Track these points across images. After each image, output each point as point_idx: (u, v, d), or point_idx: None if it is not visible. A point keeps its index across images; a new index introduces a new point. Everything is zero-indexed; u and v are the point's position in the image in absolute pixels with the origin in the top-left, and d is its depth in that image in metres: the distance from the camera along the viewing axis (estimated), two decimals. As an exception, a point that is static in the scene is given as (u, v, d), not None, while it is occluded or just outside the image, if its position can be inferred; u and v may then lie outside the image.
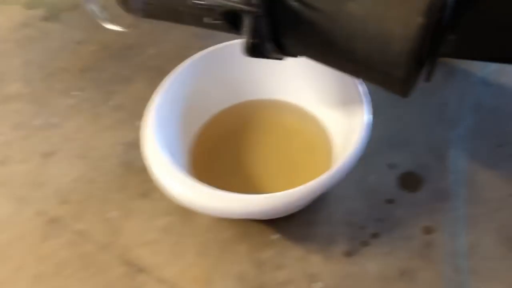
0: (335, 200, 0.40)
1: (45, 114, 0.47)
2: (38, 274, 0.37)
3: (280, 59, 0.32)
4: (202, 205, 0.32)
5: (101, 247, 0.38)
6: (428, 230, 0.37)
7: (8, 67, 0.52)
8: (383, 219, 0.38)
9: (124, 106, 0.47)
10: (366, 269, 0.36)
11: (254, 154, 0.41)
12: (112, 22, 0.27)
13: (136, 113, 0.46)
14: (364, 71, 0.29)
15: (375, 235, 0.37)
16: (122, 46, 0.53)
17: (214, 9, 0.27)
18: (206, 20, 0.29)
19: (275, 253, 0.37)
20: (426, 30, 0.26)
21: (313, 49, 0.30)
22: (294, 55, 0.32)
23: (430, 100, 0.46)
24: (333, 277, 0.35)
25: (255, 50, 0.29)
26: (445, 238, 0.37)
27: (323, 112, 0.42)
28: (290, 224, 0.38)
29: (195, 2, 0.27)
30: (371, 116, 0.36)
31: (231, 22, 0.28)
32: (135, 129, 0.45)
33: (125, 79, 0.50)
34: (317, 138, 0.41)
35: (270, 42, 0.29)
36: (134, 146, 0.44)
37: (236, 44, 0.42)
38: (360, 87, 0.37)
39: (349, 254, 0.37)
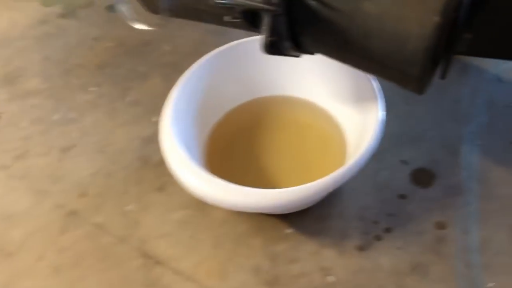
0: (348, 195, 0.40)
1: (63, 109, 0.48)
2: (57, 265, 0.38)
3: (297, 56, 0.32)
4: (218, 198, 0.33)
5: (119, 239, 0.38)
6: (440, 225, 0.38)
7: (27, 63, 0.53)
8: (396, 214, 0.39)
9: (140, 101, 0.48)
10: (378, 263, 0.36)
11: (268, 149, 0.41)
12: (141, 22, 0.27)
13: (152, 109, 0.47)
14: (380, 69, 0.30)
15: (387, 230, 0.38)
16: (138, 42, 0.54)
17: (234, 8, 0.28)
18: (226, 18, 0.29)
19: (289, 247, 0.38)
20: (442, 29, 0.26)
21: (330, 46, 0.30)
22: (311, 52, 0.32)
23: (443, 97, 0.46)
24: (346, 271, 0.36)
25: (273, 48, 0.30)
26: (457, 233, 0.37)
27: (337, 108, 0.42)
28: (304, 219, 0.39)
29: (217, 2, 0.27)
30: (384, 113, 0.36)
31: (250, 20, 0.29)
32: (152, 124, 0.46)
33: (141, 75, 0.51)
34: (330, 134, 0.42)
35: (288, 40, 0.29)
36: (150, 141, 0.45)
37: (250, 41, 0.42)
38: (374, 83, 0.38)
39: (361, 248, 0.37)
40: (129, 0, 0.28)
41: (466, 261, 0.36)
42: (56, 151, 0.45)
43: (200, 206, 0.40)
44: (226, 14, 0.29)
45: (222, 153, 0.41)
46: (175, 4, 0.27)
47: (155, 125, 0.45)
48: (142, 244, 0.38)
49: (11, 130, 0.47)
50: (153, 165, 0.43)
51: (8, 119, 0.48)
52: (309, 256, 0.37)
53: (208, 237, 0.38)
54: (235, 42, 0.42)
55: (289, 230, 0.38)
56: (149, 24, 0.28)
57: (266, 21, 0.28)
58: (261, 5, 0.27)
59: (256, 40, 0.42)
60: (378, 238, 0.38)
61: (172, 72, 0.50)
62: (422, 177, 0.41)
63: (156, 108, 0.47)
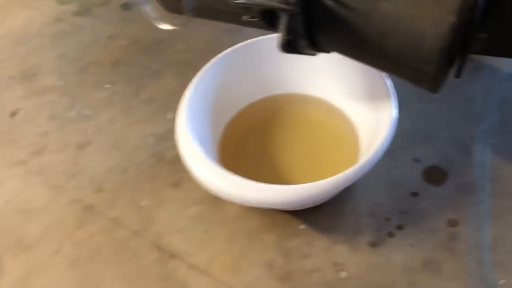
0: (360, 192, 0.40)
1: (78, 106, 0.49)
2: (74, 259, 0.38)
3: (313, 55, 0.33)
4: (232, 194, 0.34)
5: (134, 234, 0.39)
6: (452, 223, 0.38)
7: (43, 60, 0.54)
8: (408, 212, 0.39)
9: (155, 99, 0.49)
10: (391, 260, 0.37)
11: (280, 147, 0.42)
12: (165, 21, 0.28)
13: (166, 106, 0.48)
14: (395, 67, 0.30)
15: (400, 227, 0.38)
16: (152, 40, 0.55)
17: (252, 7, 0.28)
18: (244, 18, 0.30)
19: (302, 243, 0.38)
20: (457, 29, 0.27)
21: (346, 45, 0.31)
22: (326, 51, 0.33)
23: (455, 95, 0.46)
24: (358, 267, 0.36)
25: (289, 46, 0.30)
26: (470, 231, 0.38)
27: (350, 106, 0.43)
28: (317, 215, 0.39)
29: (236, 2, 0.28)
30: (397, 111, 0.36)
31: (268, 19, 0.29)
32: (166, 122, 0.46)
33: (155, 73, 0.52)
34: (343, 132, 0.42)
35: (304, 38, 0.30)
36: (165, 138, 0.45)
37: (264, 40, 0.43)
38: (387, 81, 0.38)
39: (374, 244, 0.37)
40: (151, 0, 0.29)
41: (478, 258, 0.36)
42: (72, 147, 0.46)
43: (214, 202, 0.40)
44: (245, 13, 0.30)
45: (236, 150, 0.42)
46: (197, 5, 0.28)
47: (169, 122, 0.46)
48: (157, 239, 0.39)
49: (27, 126, 0.48)
50: (167, 161, 0.43)
51: (25, 115, 0.49)
52: (322, 252, 0.37)
53: (221, 232, 0.39)
54: (249, 40, 0.43)
55: (302, 226, 0.39)
56: (172, 24, 0.28)
57: (283, 20, 0.29)
58: (279, 4, 0.27)
59: (269, 39, 0.43)
60: (390, 235, 0.38)
61: (186, 70, 0.51)
62: (435, 175, 0.41)
63: (170, 106, 0.48)
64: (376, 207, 0.39)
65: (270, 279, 0.36)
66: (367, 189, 0.40)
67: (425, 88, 0.30)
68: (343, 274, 0.36)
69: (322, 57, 0.35)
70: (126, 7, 0.60)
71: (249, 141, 0.43)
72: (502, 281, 0.35)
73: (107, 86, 0.51)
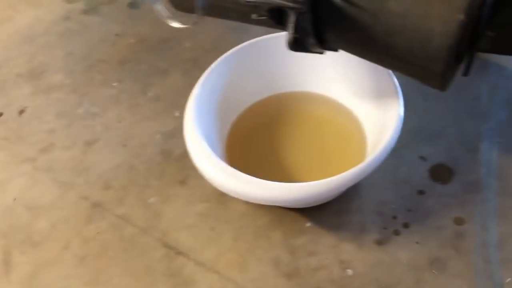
0: (366, 190, 0.41)
1: (86, 104, 0.49)
2: (82, 255, 0.39)
3: (321, 53, 0.33)
4: (239, 191, 0.34)
5: (142, 230, 0.39)
6: (459, 221, 0.38)
7: (51, 58, 0.55)
8: (414, 210, 0.39)
9: (162, 97, 0.49)
10: (397, 258, 0.37)
11: (287, 145, 0.42)
12: (177, 20, 0.28)
13: (174, 104, 0.48)
14: (403, 66, 0.30)
15: (406, 225, 0.38)
16: (159, 39, 0.55)
17: (261, 6, 0.29)
18: (253, 16, 0.30)
19: (308, 240, 0.38)
20: (466, 27, 0.27)
21: (354, 43, 0.31)
22: (334, 49, 0.33)
23: (462, 93, 0.46)
24: (365, 265, 0.37)
25: (298, 44, 0.30)
26: (476, 229, 0.38)
27: (356, 104, 0.43)
28: (323, 213, 0.39)
29: (247, 0, 0.28)
30: (403, 109, 0.36)
31: (276, 18, 0.30)
32: (173, 119, 0.47)
33: (162, 71, 0.52)
34: (350, 130, 0.42)
35: (312, 37, 0.30)
36: (172, 135, 0.45)
37: (271, 38, 0.43)
38: (393, 79, 0.38)
39: (380, 242, 0.38)
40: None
41: (484, 256, 0.36)
42: (80, 144, 0.46)
43: (220, 199, 0.40)
44: (253, 12, 0.30)
45: (242, 148, 0.42)
46: (207, 3, 0.28)
47: (176, 120, 0.46)
48: (164, 236, 0.39)
49: (36, 123, 0.48)
50: (174, 159, 0.44)
51: (33, 113, 0.49)
52: (328, 250, 0.38)
53: (228, 230, 0.39)
54: (256, 39, 0.43)
55: (308, 224, 0.39)
56: (183, 22, 0.28)
57: (291, 18, 0.29)
58: (288, 3, 0.28)
59: (276, 37, 0.43)
60: (396, 232, 0.38)
61: (193, 68, 0.52)
62: (441, 173, 0.41)
63: (177, 104, 0.48)
64: (382, 205, 0.40)
65: (276, 276, 0.36)
66: (373, 187, 0.41)
67: (433, 86, 0.30)
68: (349, 271, 0.36)
69: (328, 55, 0.35)
70: (133, 5, 0.60)
71: (256, 139, 0.43)
72: (508, 279, 0.35)
73: (115, 84, 0.51)
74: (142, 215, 0.40)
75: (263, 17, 0.30)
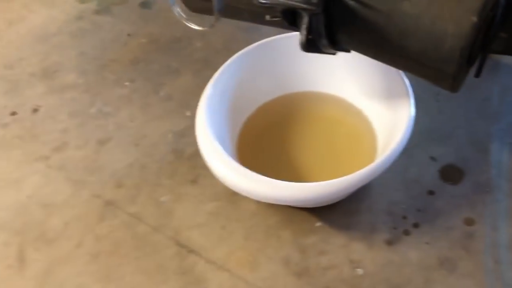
0: (377, 190, 0.41)
1: (99, 103, 0.50)
2: (95, 253, 0.39)
3: (334, 53, 0.33)
4: (251, 190, 0.34)
5: (153, 229, 0.40)
6: (469, 222, 0.38)
7: (64, 58, 0.55)
8: (424, 210, 0.39)
9: (173, 96, 0.50)
10: (407, 257, 0.37)
11: (298, 144, 0.42)
12: (195, 22, 0.29)
13: (185, 104, 0.49)
14: (415, 67, 0.30)
15: (416, 225, 0.38)
16: (170, 39, 0.56)
17: (274, 7, 0.29)
18: (267, 17, 0.30)
19: (319, 240, 0.38)
20: (479, 29, 0.27)
21: (367, 45, 0.31)
22: (347, 50, 0.33)
23: (473, 94, 0.46)
24: (375, 264, 0.37)
25: (310, 45, 0.31)
26: (486, 229, 0.38)
27: (367, 104, 0.43)
28: (333, 212, 0.40)
29: (261, 2, 0.28)
30: (414, 110, 0.37)
31: (290, 19, 0.30)
32: (185, 119, 0.47)
33: (173, 70, 0.52)
34: (360, 130, 0.42)
35: (325, 38, 0.30)
36: (183, 134, 0.46)
37: (281, 38, 0.43)
38: (404, 79, 0.38)
39: (390, 242, 0.38)
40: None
41: (494, 257, 0.36)
42: (92, 143, 0.47)
43: (231, 198, 0.41)
44: (267, 13, 0.30)
45: (253, 147, 0.42)
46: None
47: (188, 120, 0.47)
48: (176, 234, 0.39)
49: (49, 122, 0.49)
50: (186, 158, 0.44)
51: (46, 112, 0.50)
52: (338, 249, 0.38)
53: (239, 229, 0.39)
54: (267, 39, 0.43)
55: (318, 223, 0.39)
56: (201, 25, 0.29)
57: (305, 20, 0.29)
58: (301, 4, 0.28)
59: (287, 37, 0.43)
60: (406, 232, 0.38)
61: (204, 68, 0.52)
62: (451, 174, 0.41)
63: (188, 103, 0.48)
64: (393, 205, 0.40)
65: (286, 275, 0.37)
66: (384, 187, 0.41)
67: (444, 88, 0.31)
68: (360, 271, 0.37)
69: (340, 55, 0.36)
70: (144, 5, 0.60)
71: (267, 139, 0.43)
72: (518, 280, 0.35)
73: (127, 83, 0.52)
74: (154, 213, 0.41)
75: (276, 18, 0.30)
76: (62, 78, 0.53)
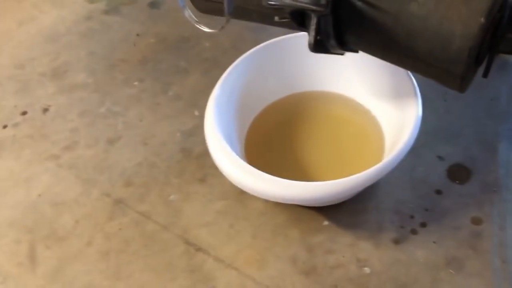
0: (384, 189, 0.41)
1: (108, 103, 0.50)
2: (105, 251, 0.40)
3: (342, 54, 0.34)
4: (258, 189, 0.35)
5: (162, 227, 0.40)
6: (476, 221, 0.38)
7: (73, 58, 0.56)
8: (432, 209, 0.39)
9: (182, 96, 0.50)
10: (414, 257, 0.37)
11: (305, 143, 0.43)
12: (206, 24, 0.29)
13: (193, 103, 0.49)
14: (423, 67, 0.31)
15: (423, 224, 0.39)
16: (179, 38, 0.56)
17: (283, 8, 0.29)
18: (276, 19, 0.31)
19: (326, 239, 0.39)
20: (486, 30, 0.27)
21: (375, 45, 0.31)
22: (355, 50, 0.33)
23: (481, 93, 0.46)
24: (382, 263, 0.37)
25: (319, 46, 0.31)
26: (494, 229, 0.38)
27: (375, 103, 0.43)
28: (340, 211, 0.40)
29: (270, 3, 0.29)
30: (422, 109, 0.37)
31: (298, 20, 0.30)
32: (193, 118, 0.48)
33: (182, 70, 0.53)
34: (368, 129, 0.42)
35: (333, 38, 0.31)
36: (192, 134, 0.46)
37: (289, 38, 0.44)
38: (412, 79, 0.38)
39: (397, 241, 0.38)
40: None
41: (502, 256, 0.36)
42: (102, 142, 0.47)
43: (239, 197, 0.41)
44: (275, 14, 0.31)
45: (261, 146, 0.43)
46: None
47: (196, 119, 0.47)
48: (184, 232, 0.40)
49: (59, 122, 0.49)
50: (194, 157, 0.45)
51: (56, 111, 0.51)
52: (345, 248, 0.38)
53: (247, 227, 0.40)
54: (274, 39, 0.44)
55: (325, 223, 0.40)
56: (211, 27, 0.29)
57: (313, 21, 0.29)
58: (310, 6, 0.28)
59: (294, 37, 0.43)
60: (414, 232, 0.38)
61: (212, 67, 0.52)
62: (459, 173, 0.41)
63: (196, 103, 0.49)
64: (400, 205, 0.40)
65: (294, 273, 0.37)
66: (391, 186, 0.41)
67: (452, 88, 0.31)
68: (367, 270, 0.37)
69: (347, 55, 0.36)
70: (153, 5, 0.61)
71: (275, 138, 0.43)
72: (526, 280, 0.35)
73: (136, 83, 0.52)
74: (163, 212, 0.41)
75: (285, 20, 0.30)
76: (72, 78, 0.54)
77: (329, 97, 0.45)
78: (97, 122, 0.49)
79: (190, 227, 0.40)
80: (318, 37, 0.30)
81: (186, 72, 0.52)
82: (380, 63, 0.35)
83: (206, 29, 0.29)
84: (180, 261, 0.38)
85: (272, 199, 0.36)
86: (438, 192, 0.40)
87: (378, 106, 0.43)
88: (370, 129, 0.42)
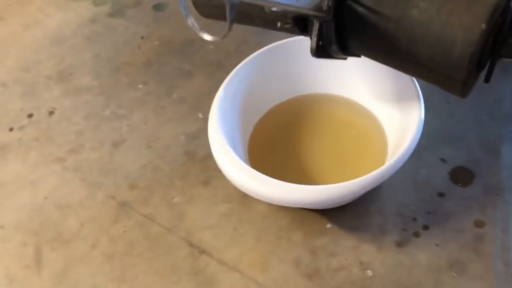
0: (387, 192, 0.41)
1: (113, 106, 0.51)
2: (110, 253, 0.40)
3: (344, 59, 0.34)
4: (262, 192, 0.35)
5: (166, 230, 0.41)
6: (479, 224, 0.38)
7: (78, 61, 0.56)
8: (434, 212, 0.39)
9: (186, 99, 0.50)
10: (416, 259, 0.37)
11: (309, 146, 0.43)
12: (209, 32, 0.29)
13: (198, 106, 0.49)
14: (425, 73, 0.31)
15: (426, 227, 0.39)
16: (183, 41, 0.56)
17: (286, 14, 0.30)
18: (279, 24, 0.31)
19: (329, 241, 0.39)
20: (488, 36, 0.27)
21: (377, 51, 0.32)
22: (357, 55, 0.34)
23: (484, 96, 0.46)
24: (384, 266, 0.37)
25: (321, 51, 0.31)
26: (497, 232, 0.38)
27: (378, 106, 0.43)
28: (343, 214, 0.40)
29: (272, 10, 0.29)
30: (424, 112, 0.37)
31: (301, 25, 0.31)
32: (197, 121, 0.48)
33: (186, 73, 0.53)
34: (371, 132, 0.43)
35: (336, 44, 0.31)
36: (196, 136, 0.47)
37: (292, 41, 0.44)
38: (415, 82, 0.39)
39: (400, 244, 0.38)
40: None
41: (505, 260, 0.36)
42: (107, 145, 0.47)
43: (243, 200, 0.41)
44: (278, 20, 0.31)
45: (264, 149, 0.43)
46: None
47: (200, 122, 0.48)
48: (188, 235, 0.40)
49: (65, 124, 0.50)
50: (198, 160, 0.45)
51: (62, 114, 0.51)
52: (348, 251, 0.38)
53: (250, 230, 0.40)
54: (279, 42, 0.44)
55: (328, 225, 0.40)
56: (214, 35, 0.29)
57: (316, 26, 0.30)
58: (312, 12, 0.28)
59: (298, 40, 0.43)
60: (416, 234, 0.38)
61: (216, 70, 0.53)
62: (462, 176, 0.41)
63: (201, 106, 0.49)
64: (402, 207, 0.40)
65: (297, 276, 0.37)
66: (394, 189, 0.41)
67: (454, 93, 0.31)
68: (369, 272, 0.37)
69: (350, 58, 0.36)
70: (157, 8, 0.61)
71: (278, 141, 0.44)
72: (528, 283, 0.35)
73: (140, 86, 0.52)
74: (167, 214, 0.42)
75: (287, 25, 0.31)
76: (77, 80, 0.54)
77: (332, 100, 0.45)
78: (102, 125, 0.49)
79: (194, 229, 0.40)
80: (320, 43, 0.30)
81: (190, 75, 0.53)
82: (383, 66, 0.35)
83: (209, 38, 0.29)
84: (184, 263, 0.39)
85: (275, 203, 0.37)
86: (441, 194, 0.40)
87: (381, 109, 0.43)
88: (373, 132, 0.42)
